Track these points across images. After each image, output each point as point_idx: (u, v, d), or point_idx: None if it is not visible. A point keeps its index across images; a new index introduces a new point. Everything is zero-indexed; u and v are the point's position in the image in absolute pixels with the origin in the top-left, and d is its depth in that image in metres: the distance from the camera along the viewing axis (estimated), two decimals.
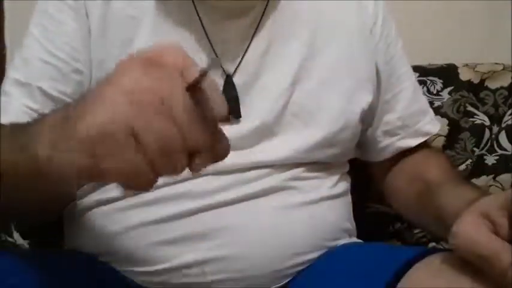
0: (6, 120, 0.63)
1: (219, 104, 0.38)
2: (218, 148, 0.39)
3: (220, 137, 0.39)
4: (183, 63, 0.37)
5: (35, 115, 0.64)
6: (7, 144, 0.50)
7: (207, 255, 0.63)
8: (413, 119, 0.79)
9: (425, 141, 0.80)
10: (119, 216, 0.64)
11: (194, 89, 0.36)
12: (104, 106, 0.36)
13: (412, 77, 0.80)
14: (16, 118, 0.63)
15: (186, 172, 0.38)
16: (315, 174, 0.71)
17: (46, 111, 0.63)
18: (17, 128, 0.52)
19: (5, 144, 0.51)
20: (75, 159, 0.37)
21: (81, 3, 0.65)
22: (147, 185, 0.37)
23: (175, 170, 0.37)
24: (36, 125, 0.46)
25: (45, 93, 0.65)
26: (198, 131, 0.36)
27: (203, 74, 0.36)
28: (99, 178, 0.38)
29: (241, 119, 0.67)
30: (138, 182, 0.37)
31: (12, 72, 0.67)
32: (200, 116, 0.36)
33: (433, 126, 0.81)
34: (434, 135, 0.84)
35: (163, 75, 0.36)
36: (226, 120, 0.38)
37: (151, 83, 0.36)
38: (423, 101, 0.82)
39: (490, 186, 0.99)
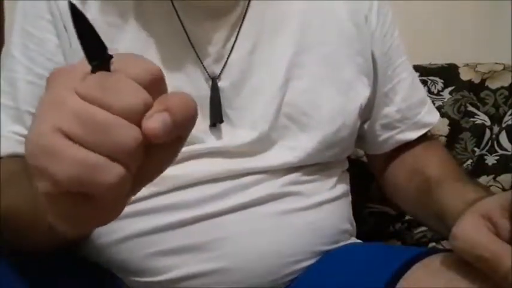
0: None
1: (136, 67, 0.35)
2: (170, 104, 0.34)
3: (167, 94, 0.36)
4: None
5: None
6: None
7: (206, 267, 0.61)
8: (413, 111, 0.76)
9: (425, 133, 0.78)
10: (114, 226, 0.62)
11: (96, 66, 0.34)
12: (32, 127, 0.35)
13: (410, 67, 0.78)
14: (7, 147, 0.63)
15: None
16: (314, 176, 0.69)
17: None
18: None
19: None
20: (38, 187, 0.35)
21: (57, 17, 0.64)
22: (109, 173, 0.33)
23: (124, 139, 0.33)
24: None
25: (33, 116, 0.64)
26: (117, 94, 0.33)
27: (87, 46, 0.34)
28: (61, 196, 0.34)
29: (234, 124, 0.65)
30: (96, 173, 0.33)
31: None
32: (117, 83, 0.34)
33: (433, 116, 0.79)
34: (434, 135, 0.83)
35: (71, 73, 0.35)
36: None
37: (61, 83, 0.35)
38: (421, 90, 0.79)
39: (490, 186, 0.99)
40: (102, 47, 0.34)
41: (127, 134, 0.33)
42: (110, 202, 0.34)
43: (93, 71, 0.34)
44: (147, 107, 0.34)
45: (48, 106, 0.34)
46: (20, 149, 0.63)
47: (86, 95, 0.33)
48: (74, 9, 0.34)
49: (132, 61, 0.35)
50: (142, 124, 0.33)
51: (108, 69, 0.34)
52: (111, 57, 0.34)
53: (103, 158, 0.33)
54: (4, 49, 0.69)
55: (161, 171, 0.37)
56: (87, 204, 0.34)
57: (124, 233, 0.62)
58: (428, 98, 0.80)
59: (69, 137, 0.33)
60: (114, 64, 0.34)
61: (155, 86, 0.35)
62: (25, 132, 0.63)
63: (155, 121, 0.33)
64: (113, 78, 0.34)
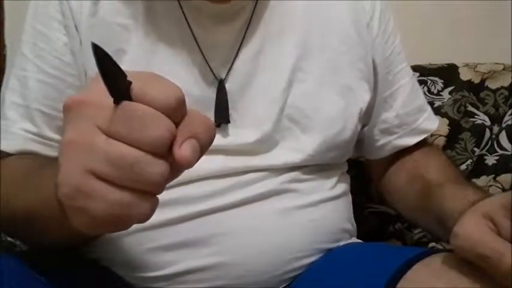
0: (7, 145, 0.64)
1: (160, 97, 0.36)
2: (194, 129, 0.36)
3: (191, 118, 0.37)
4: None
5: (35, 138, 0.65)
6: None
7: (205, 262, 0.62)
8: (412, 117, 0.78)
9: (424, 138, 0.79)
10: None
11: (119, 99, 0.35)
12: (62, 170, 0.36)
13: (410, 73, 0.79)
14: (17, 144, 0.64)
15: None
16: (315, 175, 0.70)
17: (47, 132, 0.65)
18: (44, 167, 0.55)
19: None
20: (72, 219, 0.38)
21: (69, 17, 0.64)
22: (142, 209, 0.36)
23: (153, 175, 0.35)
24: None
25: (43, 114, 0.65)
26: (140, 128, 0.35)
27: (123, 81, 0.35)
28: (101, 227, 0.38)
29: (238, 125, 0.66)
30: (130, 211, 0.36)
31: (9, 95, 0.66)
32: (139, 116, 0.35)
33: (432, 122, 0.80)
34: (434, 135, 0.83)
35: (89, 105, 0.36)
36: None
37: (84, 120, 0.36)
38: (421, 97, 0.80)
39: (490, 186, 0.99)
40: (123, 75, 0.35)
41: (156, 170, 0.35)
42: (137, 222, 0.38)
43: (115, 102, 0.35)
44: (172, 135, 0.36)
45: (75, 147, 0.36)
46: (30, 146, 0.65)
47: (113, 134, 0.35)
48: (96, 48, 0.34)
49: (153, 85, 0.36)
50: (175, 153, 0.35)
51: (129, 96, 0.35)
52: (130, 83, 0.35)
53: (136, 195, 0.35)
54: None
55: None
56: (120, 228, 0.38)
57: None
58: (429, 105, 0.81)
59: (100, 177, 0.35)
60: (136, 90, 0.35)
61: (179, 110, 0.36)
62: (34, 129, 0.65)
63: (186, 150, 0.35)
64: (137, 110, 0.35)
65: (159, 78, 0.37)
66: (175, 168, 0.37)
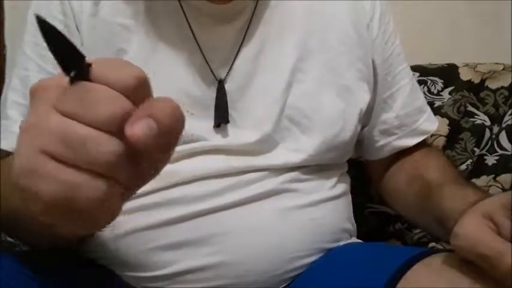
0: (7, 144, 0.64)
1: (114, 75, 0.34)
2: (153, 110, 0.33)
3: (151, 100, 0.35)
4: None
5: None
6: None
7: (205, 261, 0.62)
8: (411, 118, 0.78)
9: (424, 139, 0.80)
10: (114, 221, 0.63)
11: (75, 79, 0.33)
12: (17, 149, 0.35)
13: (410, 75, 0.79)
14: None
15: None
16: (314, 175, 0.70)
17: None
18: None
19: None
20: (29, 207, 0.35)
21: (70, 17, 0.65)
22: (96, 189, 0.33)
23: (103, 152, 0.33)
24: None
25: None
26: (92, 106, 0.33)
27: (59, 57, 0.33)
28: (55, 214, 0.34)
29: (237, 125, 0.66)
30: (88, 193, 0.33)
31: (11, 94, 0.66)
32: (92, 93, 0.33)
33: (431, 124, 0.80)
34: (434, 135, 0.83)
35: (46, 87, 0.35)
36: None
37: (40, 100, 0.34)
38: (421, 99, 0.80)
39: (490, 186, 0.99)
40: (80, 56, 0.33)
41: (107, 149, 0.32)
42: (98, 213, 0.34)
43: (71, 83, 0.33)
44: (128, 115, 0.33)
45: (31, 127, 0.34)
46: None
47: (65, 111, 0.33)
48: (41, 22, 0.32)
49: (113, 67, 0.34)
50: (126, 131, 0.32)
51: (88, 79, 0.33)
52: (89, 65, 0.33)
53: (84, 175, 0.33)
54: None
55: (154, 175, 0.36)
56: (76, 215, 0.34)
57: (125, 228, 0.63)
58: (429, 106, 0.81)
59: (54, 157, 0.33)
60: (95, 71, 0.33)
61: (139, 90, 0.34)
62: None
63: (137, 128, 0.32)
64: (92, 90, 0.33)
65: (122, 62, 0.35)
66: (132, 152, 0.33)
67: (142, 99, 0.34)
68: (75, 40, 0.64)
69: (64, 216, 0.34)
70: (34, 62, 0.65)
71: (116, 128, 0.33)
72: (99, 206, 0.33)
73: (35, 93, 0.35)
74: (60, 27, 0.65)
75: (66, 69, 0.33)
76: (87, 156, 0.32)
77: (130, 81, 0.33)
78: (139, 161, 0.34)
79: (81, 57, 0.33)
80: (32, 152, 0.33)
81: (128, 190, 0.35)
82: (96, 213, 0.34)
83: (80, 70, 0.33)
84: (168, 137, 0.33)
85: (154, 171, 0.36)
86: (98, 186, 0.33)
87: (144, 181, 0.36)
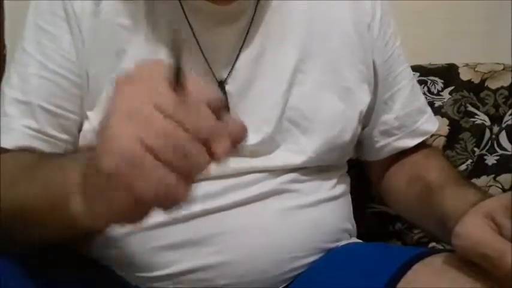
0: (7, 141, 0.63)
1: (206, 93, 0.39)
2: (230, 129, 0.39)
3: (226, 119, 0.40)
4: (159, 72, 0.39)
5: (36, 135, 0.64)
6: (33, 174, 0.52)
7: (206, 261, 0.62)
8: (411, 119, 0.78)
9: (424, 140, 0.80)
10: None
11: (176, 87, 0.38)
12: (114, 136, 0.37)
13: (410, 75, 0.79)
14: (18, 140, 0.63)
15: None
16: (315, 176, 0.70)
17: (48, 129, 0.64)
18: (44, 160, 0.55)
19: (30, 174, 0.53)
20: (114, 202, 0.39)
21: (72, 16, 0.64)
22: (182, 194, 0.37)
23: (198, 164, 0.37)
24: (66, 168, 0.47)
25: (46, 110, 0.64)
26: (196, 118, 0.37)
27: (177, 70, 0.38)
28: (138, 209, 0.39)
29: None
30: (172, 194, 0.37)
31: (10, 91, 0.65)
32: (193, 106, 0.38)
33: (432, 124, 0.80)
34: (434, 135, 0.83)
35: (148, 86, 0.38)
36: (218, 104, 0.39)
37: (142, 97, 0.37)
38: (421, 99, 0.80)
39: (490, 186, 0.99)
40: (181, 70, 0.38)
41: (202, 159, 0.37)
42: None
43: (175, 88, 0.37)
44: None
45: (128, 116, 0.37)
46: (30, 143, 0.64)
47: (170, 114, 0.36)
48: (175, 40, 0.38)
49: (203, 85, 0.39)
50: (214, 148, 0.38)
51: (179, 82, 0.37)
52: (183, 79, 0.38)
53: (180, 179, 0.37)
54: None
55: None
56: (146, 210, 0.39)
57: (127, 228, 0.62)
58: (429, 106, 0.81)
59: (151, 151, 0.36)
60: (195, 87, 0.38)
61: (217, 112, 0.39)
62: (36, 126, 0.64)
63: (224, 148, 0.38)
64: (192, 101, 0.37)
65: (204, 82, 0.39)
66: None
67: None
68: (75, 40, 0.64)
69: (140, 210, 0.39)
70: (36, 59, 0.65)
71: (205, 141, 0.37)
72: (177, 206, 0.38)
73: (127, 83, 0.39)
74: (62, 24, 0.65)
75: (178, 80, 0.37)
76: (185, 160, 0.36)
77: (216, 104, 0.39)
78: None
79: (182, 72, 0.38)
80: (130, 139, 0.36)
81: None
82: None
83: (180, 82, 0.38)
84: (234, 150, 0.39)
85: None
86: (186, 190, 0.37)
87: None
